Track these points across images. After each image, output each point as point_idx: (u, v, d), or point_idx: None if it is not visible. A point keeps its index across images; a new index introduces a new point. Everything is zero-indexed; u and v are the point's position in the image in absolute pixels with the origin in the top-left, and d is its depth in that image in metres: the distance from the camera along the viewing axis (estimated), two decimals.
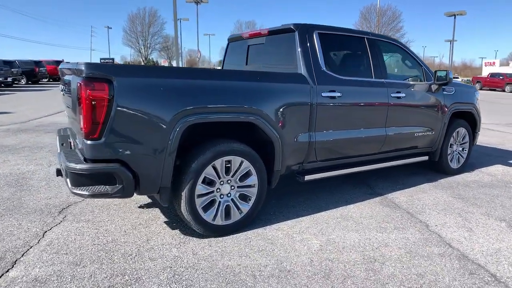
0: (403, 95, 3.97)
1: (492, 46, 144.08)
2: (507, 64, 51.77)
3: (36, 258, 2.48)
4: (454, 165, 4.86)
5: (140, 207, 3.45)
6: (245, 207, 2.98)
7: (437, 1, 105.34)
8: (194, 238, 2.83)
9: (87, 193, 2.40)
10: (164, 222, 3.12)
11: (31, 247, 2.63)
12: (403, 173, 4.81)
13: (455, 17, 37.57)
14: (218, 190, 2.86)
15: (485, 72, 42.73)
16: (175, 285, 2.23)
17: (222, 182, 2.86)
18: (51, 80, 27.44)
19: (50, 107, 11.22)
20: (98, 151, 2.38)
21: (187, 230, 2.95)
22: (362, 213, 3.44)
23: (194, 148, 2.77)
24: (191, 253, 2.61)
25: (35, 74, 24.14)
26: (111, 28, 65.70)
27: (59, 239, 2.76)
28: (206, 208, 2.81)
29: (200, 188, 2.73)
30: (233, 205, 2.93)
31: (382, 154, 4.03)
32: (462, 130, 4.87)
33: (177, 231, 2.95)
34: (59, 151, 3.07)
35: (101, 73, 2.32)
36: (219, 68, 7.92)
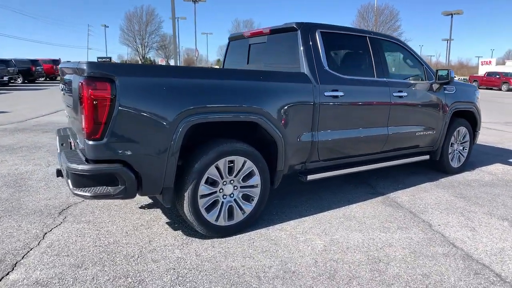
0: (405, 94, 3.96)
1: (489, 45, 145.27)
2: (503, 63, 52.03)
3: (37, 261, 2.44)
4: (454, 164, 4.86)
5: (142, 207, 3.41)
6: (248, 208, 2.95)
7: (434, 0, 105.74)
8: (196, 239, 2.80)
9: (89, 194, 2.36)
10: (166, 222, 3.09)
11: (31, 249, 2.59)
12: (403, 172, 4.80)
13: (452, 16, 37.80)
14: (221, 190, 2.83)
15: (482, 71, 42.95)
16: (179, 287, 2.21)
17: (225, 183, 2.84)
18: (47, 79, 27.27)
19: (47, 106, 11.14)
20: (100, 152, 2.35)
21: (189, 231, 2.92)
22: (365, 212, 3.43)
23: (197, 148, 2.74)
24: (194, 254, 2.59)
25: (31, 73, 23.96)
26: (108, 26, 65.22)
27: (59, 241, 2.72)
28: (209, 208, 2.78)
29: (203, 189, 2.71)
30: (236, 206, 2.90)
31: (384, 153, 4.02)
32: (463, 129, 4.87)
33: (179, 232, 2.92)
34: (59, 151, 3.04)
35: (103, 73, 2.29)
36: (218, 67, 7.88)
